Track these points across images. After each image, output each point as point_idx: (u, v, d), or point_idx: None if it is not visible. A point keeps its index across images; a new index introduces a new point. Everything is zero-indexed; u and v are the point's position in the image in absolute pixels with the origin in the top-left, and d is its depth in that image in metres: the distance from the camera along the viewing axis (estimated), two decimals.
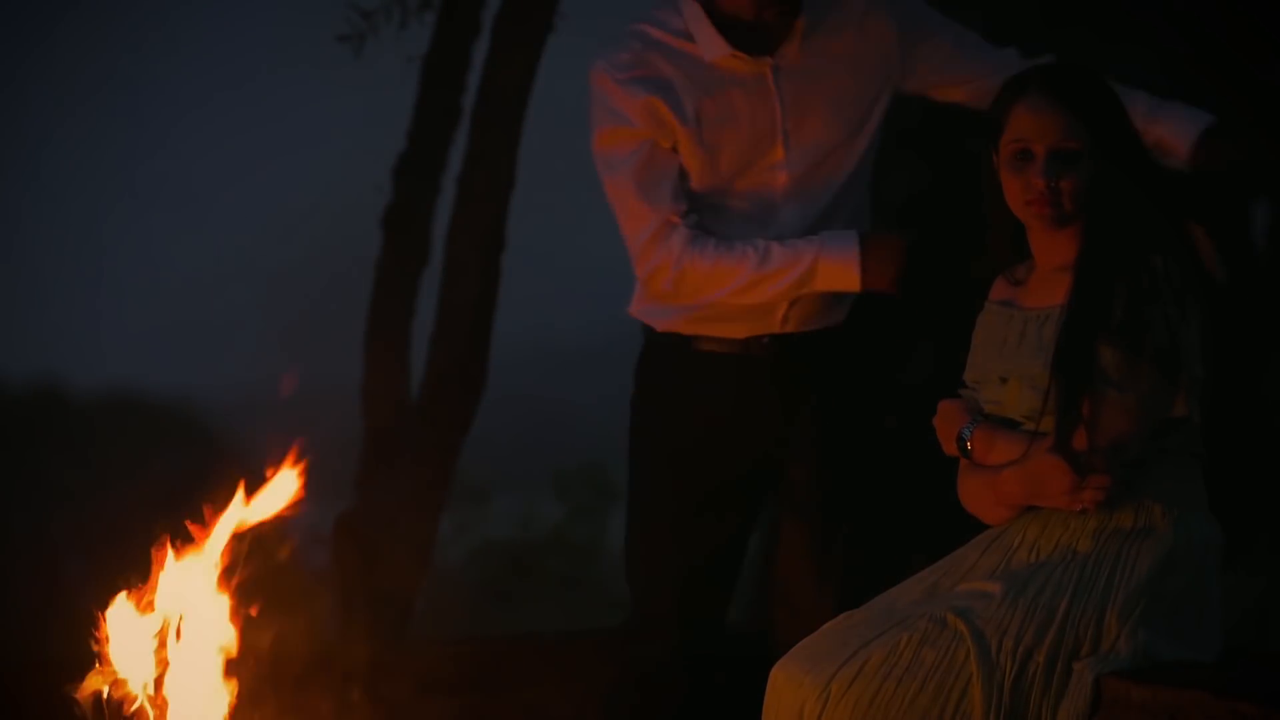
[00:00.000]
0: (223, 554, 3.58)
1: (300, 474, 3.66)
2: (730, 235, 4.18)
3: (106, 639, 3.47)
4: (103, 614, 3.49)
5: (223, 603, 3.57)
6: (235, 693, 3.53)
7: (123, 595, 3.51)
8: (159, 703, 3.46)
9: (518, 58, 6.09)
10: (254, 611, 3.59)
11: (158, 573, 3.54)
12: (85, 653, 3.49)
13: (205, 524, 3.58)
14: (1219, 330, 3.46)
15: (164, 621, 3.53)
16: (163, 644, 3.52)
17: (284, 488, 3.64)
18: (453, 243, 6.13)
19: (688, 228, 4.15)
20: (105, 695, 3.44)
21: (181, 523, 3.60)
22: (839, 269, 4.13)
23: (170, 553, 3.55)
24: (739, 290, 4.16)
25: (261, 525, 3.61)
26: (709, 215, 4.19)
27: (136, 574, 3.56)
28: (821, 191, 4.24)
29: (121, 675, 3.46)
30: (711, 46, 4.17)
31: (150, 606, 3.52)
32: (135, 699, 3.44)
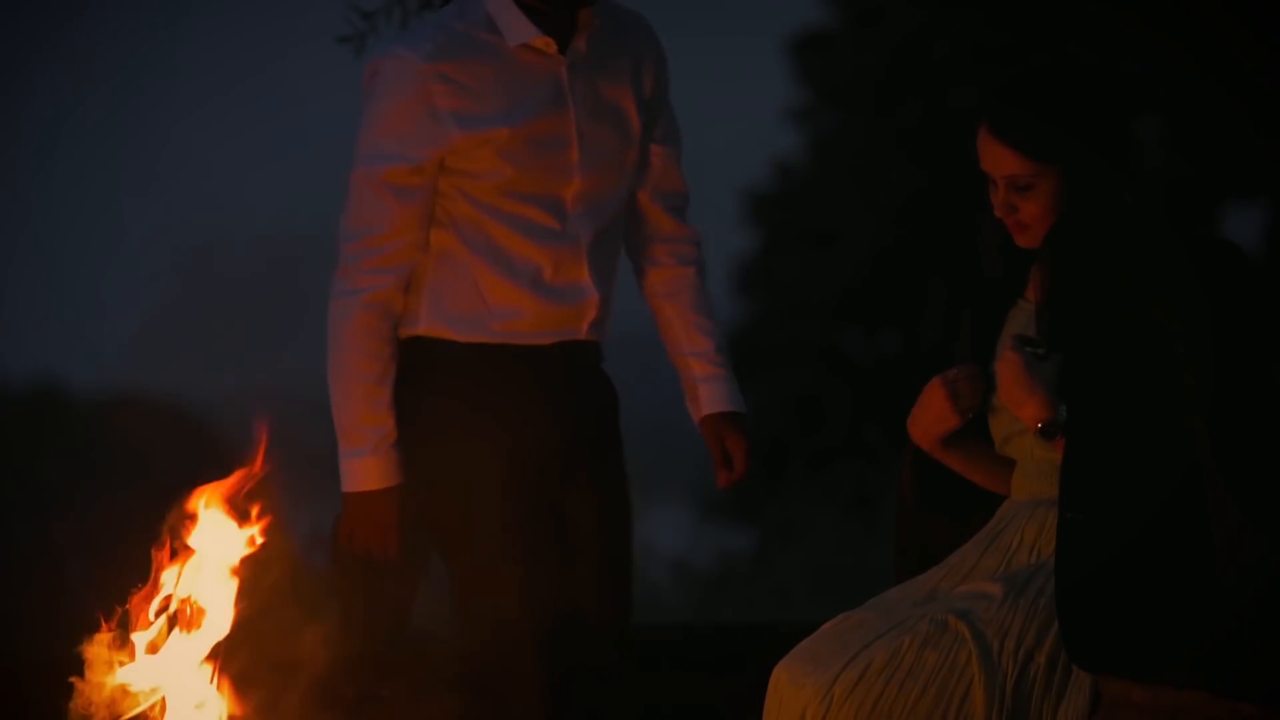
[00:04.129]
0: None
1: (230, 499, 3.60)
2: (518, 245, 4.01)
3: (109, 643, 3.47)
4: (105, 618, 3.48)
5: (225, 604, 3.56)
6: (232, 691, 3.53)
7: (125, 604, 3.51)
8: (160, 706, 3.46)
9: None
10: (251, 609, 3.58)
11: (158, 574, 3.54)
12: (86, 653, 3.48)
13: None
14: (1219, 334, 3.43)
15: (163, 623, 3.52)
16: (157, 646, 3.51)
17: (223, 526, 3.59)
18: None
19: (386, 286, 3.98)
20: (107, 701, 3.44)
21: (181, 524, 3.59)
22: (359, 472, 3.99)
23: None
24: (336, 373, 3.98)
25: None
26: (501, 221, 4.01)
27: (138, 575, 3.56)
28: (608, 200, 4.09)
29: (122, 682, 3.46)
30: (517, 30, 3.97)
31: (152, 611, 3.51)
32: (136, 704, 3.44)
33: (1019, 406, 3.52)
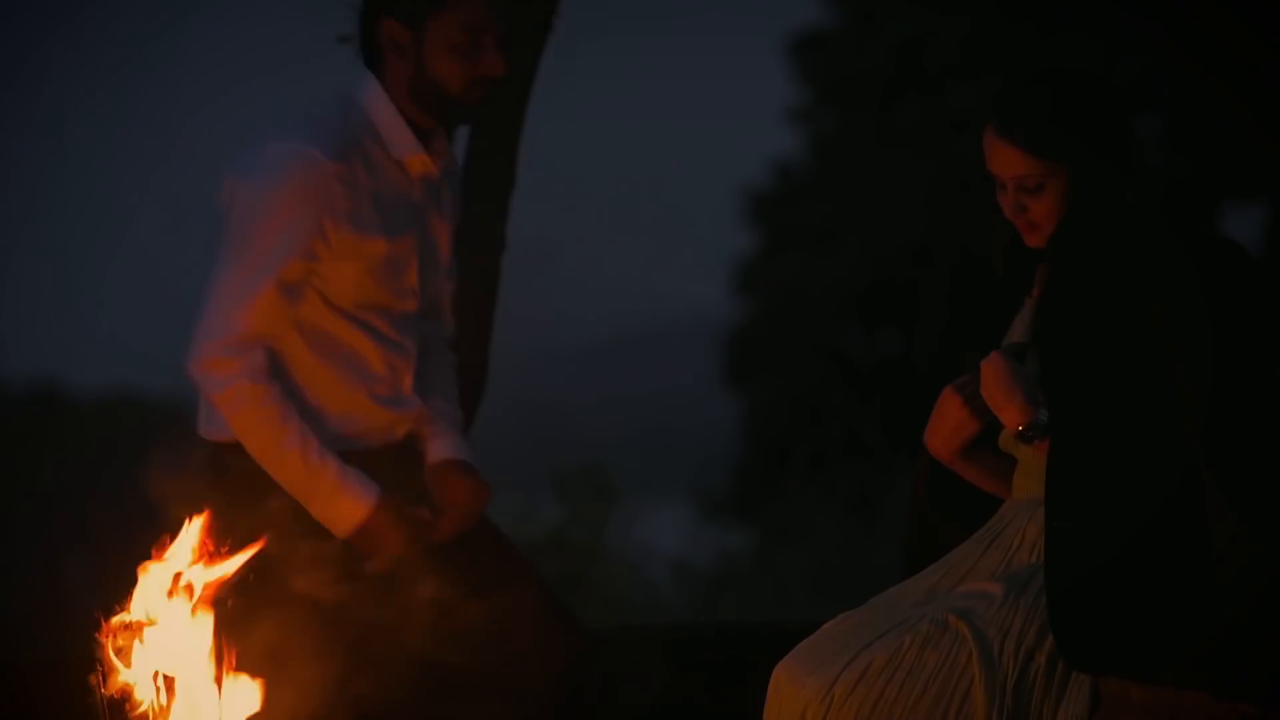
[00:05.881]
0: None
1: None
2: (369, 353, 4.00)
3: (111, 645, 3.47)
4: (105, 617, 3.48)
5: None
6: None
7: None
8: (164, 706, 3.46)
9: (518, 57, 6.09)
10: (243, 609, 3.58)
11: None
12: (87, 654, 3.48)
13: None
14: (1218, 334, 3.43)
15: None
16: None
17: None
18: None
19: (268, 357, 3.92)
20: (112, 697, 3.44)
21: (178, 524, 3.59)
22: (342, 509, 3.94)
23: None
24: (264, 458, 3.92)
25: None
26: (356, 328, 3.98)
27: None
28: (430, 310, 4.14)
29: (126, 679, 3.46)
30: (402, 144, 3.96)
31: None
32: (141, 703, 3.44)
33: (999, 409, 3.53)
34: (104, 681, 3.44)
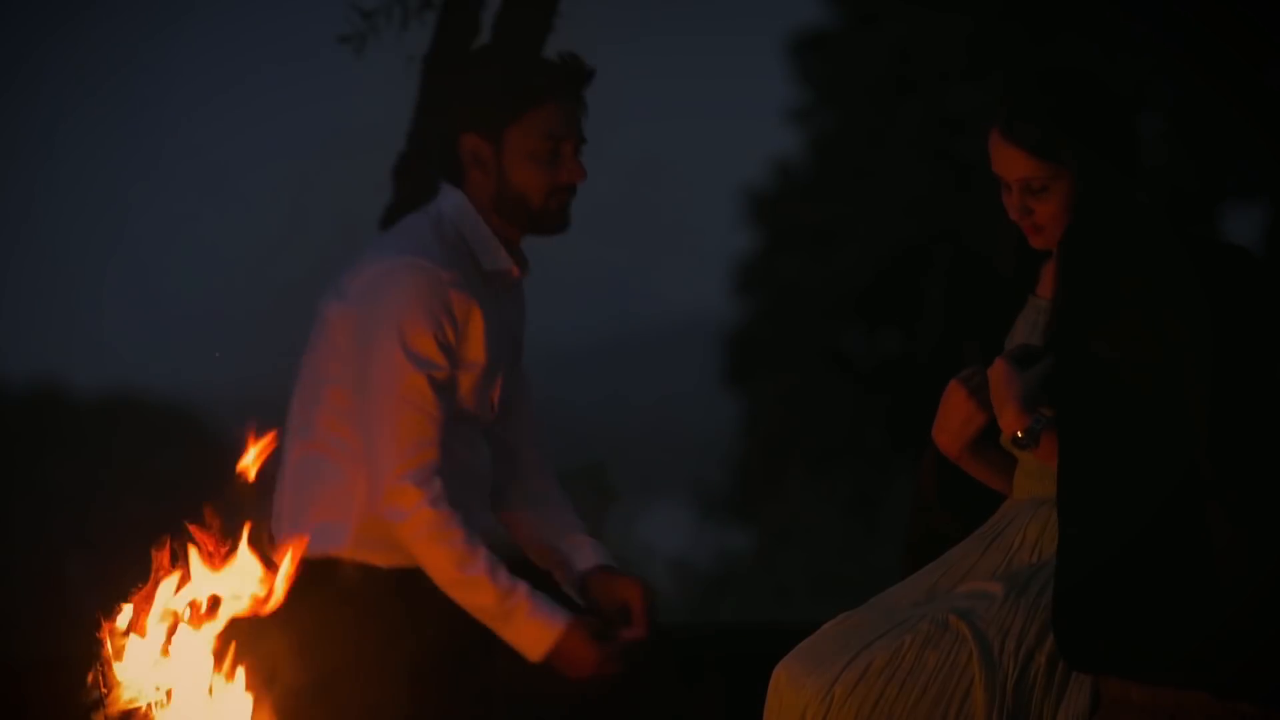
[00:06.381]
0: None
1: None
2: (467, 460, 3.99)
3: (111, 649, 3.47)
4: (105, 619, 3.48)
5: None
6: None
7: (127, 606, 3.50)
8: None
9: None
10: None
11: (158, 576, 3.53)
12: (86, 654, 3.49)
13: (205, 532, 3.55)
14: (1220, 340, 3.42)
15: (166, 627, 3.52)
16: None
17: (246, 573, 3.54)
18: None
19: (439, 482, 3.88)
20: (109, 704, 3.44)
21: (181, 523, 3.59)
22: (534, 633, 3.89)
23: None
24: (453, 587, 3.87)
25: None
26: (455, 438, 3.94)
27: (138, 576, 3.56)
28: (509, 411, 4.13)
29: (124, 683, 3.46)
30: (493, 255, 3.96)
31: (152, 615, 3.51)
32: (139, 709, 3.44)
33: (997, 413, 3.54)
34: (103, 681, 3.44)
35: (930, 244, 14.94)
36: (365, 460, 3.90)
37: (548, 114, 3.93)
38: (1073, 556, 3.36)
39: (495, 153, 3.94)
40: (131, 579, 3.55)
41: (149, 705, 3.45)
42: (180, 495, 3.73)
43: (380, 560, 3.95)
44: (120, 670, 3.46)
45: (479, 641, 3.93)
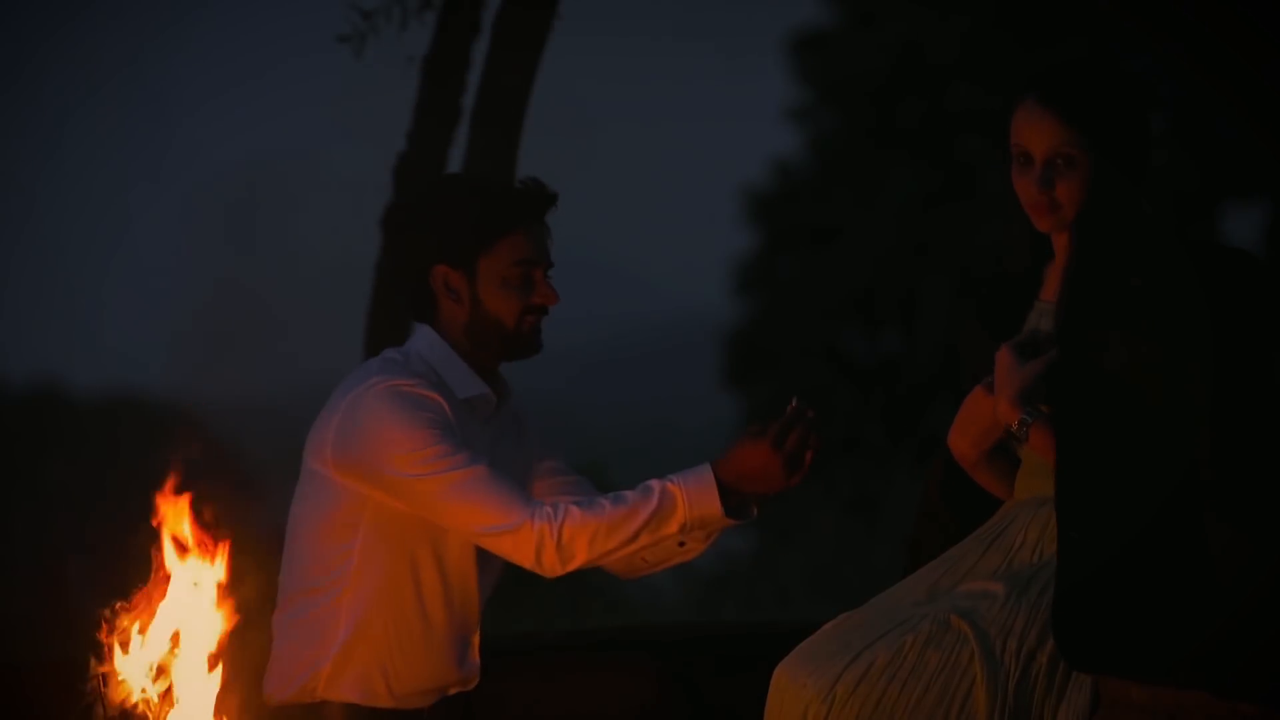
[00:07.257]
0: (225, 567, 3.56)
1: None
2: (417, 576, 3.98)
3: (110, 647, 3.47)
4: (106, 617, 3.48)
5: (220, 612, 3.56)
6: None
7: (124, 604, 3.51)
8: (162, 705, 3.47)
9: (518, 58, 6.09)
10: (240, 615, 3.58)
11: (157, 577, 3.54)
12: (86, 654, 3.49)
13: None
14: (1221, 343, 3.42)
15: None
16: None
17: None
18: None
19: (535, 503, 3.92)
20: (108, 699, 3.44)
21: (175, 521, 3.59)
22: (698, 496, 3.97)
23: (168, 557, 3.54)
24: (613, 530, 3.98)
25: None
26: (440, 567, 3.97)
27: (138, 576, 3.57)
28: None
29: (123, 680, 3.46)
30: (465, 384, 3.97)
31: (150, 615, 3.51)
32: (136, 705, 3.45)
33: (995, 401, 3.54)
34: (104, 681, 3.44)
35: (930, 244, 14.95)
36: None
37: (517, 241, 3.95)
38: (1073, 558, 3.36)
39: (468, 282, 3.96)
40: (131, 579, 3.56)
41: (148, 704, 3.46)
42: (179, 495, 3.72)
43: (360, 699, 3.94)
44: (120, 669, 3.46)
45: None
